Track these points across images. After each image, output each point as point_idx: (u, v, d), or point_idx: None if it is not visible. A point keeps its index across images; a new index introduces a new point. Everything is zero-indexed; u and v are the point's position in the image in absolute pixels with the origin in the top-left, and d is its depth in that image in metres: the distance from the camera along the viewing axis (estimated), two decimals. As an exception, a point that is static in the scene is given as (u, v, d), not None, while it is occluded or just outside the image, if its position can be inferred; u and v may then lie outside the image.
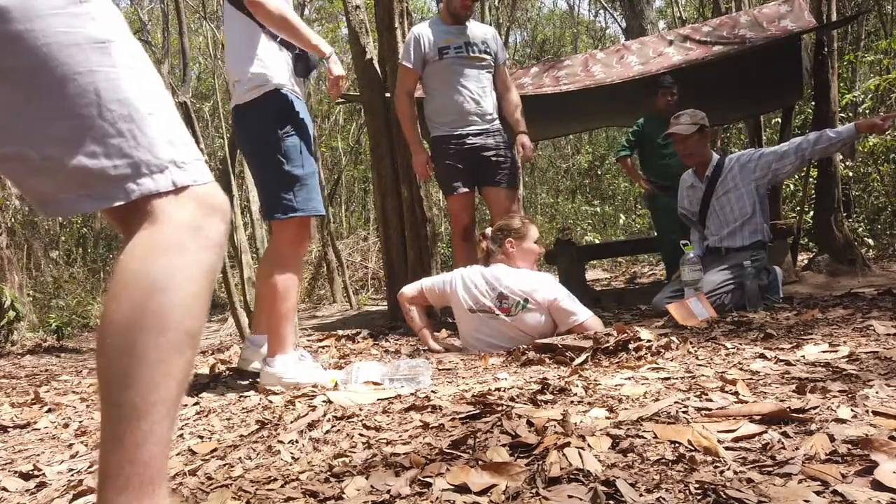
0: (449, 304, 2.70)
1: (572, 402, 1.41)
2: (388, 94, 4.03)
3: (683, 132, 3.35)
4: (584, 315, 2.46)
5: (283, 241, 2.14)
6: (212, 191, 0.81)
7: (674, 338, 2.08)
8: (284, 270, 2.10)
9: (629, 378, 1.63)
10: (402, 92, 3.35)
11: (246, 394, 2.03)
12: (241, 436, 1.45)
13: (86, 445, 1.56)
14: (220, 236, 0.81)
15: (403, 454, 1.14)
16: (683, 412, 1.22)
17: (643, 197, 4.88)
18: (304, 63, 2.15)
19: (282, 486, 1.09)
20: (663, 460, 0.99)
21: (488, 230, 2.78)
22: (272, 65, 2.07)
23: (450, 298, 2.66)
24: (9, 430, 1.87)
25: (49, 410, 2.11)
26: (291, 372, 2.03)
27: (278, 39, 2.10)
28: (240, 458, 1.28)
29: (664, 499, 0.86)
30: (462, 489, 0.97)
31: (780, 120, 6.60)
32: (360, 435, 1.34)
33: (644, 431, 1.12)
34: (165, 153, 0.77)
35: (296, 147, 2.09)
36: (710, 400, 1.30)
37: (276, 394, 1.95)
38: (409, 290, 2.78)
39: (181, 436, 1.53)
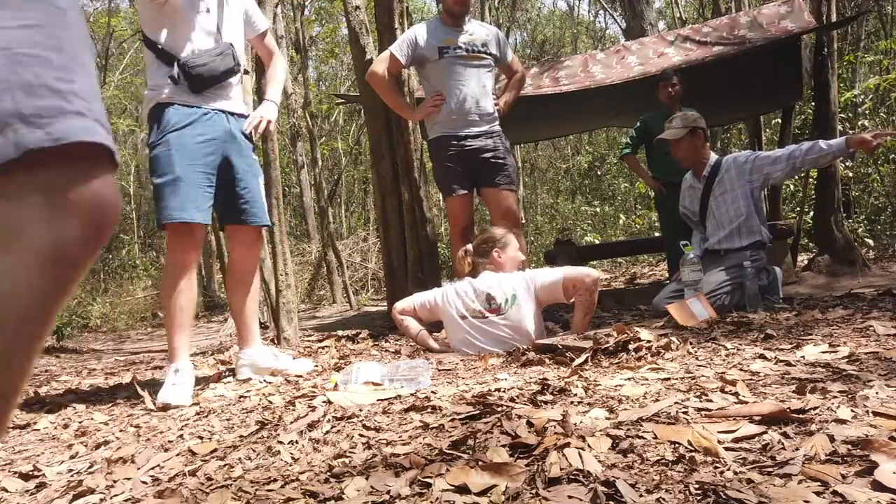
0: (438, 317, 2.73)
1: (572, 402, 1.41)
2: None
3: (672, 136, 3.35)
4: (569, 271, 2.58)
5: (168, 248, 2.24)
6: None
7: (674, 338, 2.08)
8: (165, 277, 2.20)
9: (629, 378, 1.63)
10: (379, 66, 3.30)
11: (246, 394, 2.03)
12: (241, 436, 1.45)
13: (86, 446, 1.56)
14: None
15: (403, 455, 1.14)
16: (683, 413, 1.22)
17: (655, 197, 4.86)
18: (194, 76, 2.16)
19: (282, 486, 1.09)
20: (663, 461, 0.99)
21: (469, 246, 2.83)
22: (154, 83, 2.20)
23: (440, 311, 2.69)
24: (8, 430, 1.87)
25: (49, 411, 2.11)
26: (260, 359, 2.31)
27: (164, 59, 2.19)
28: (239, 458, 1.28)
29: (664, 499, 0.86)
30: (462, 490, 0.97)
31: (780, 120, 6.60)
32: (360, 435, 1.33)
33: (644, 432, 1.12)
34: None
35: (158, 158, 2.15)
36: (710, 400, 1.30)
37: (272, 386, 1.95)
38: (404, 304, 2.80)
39: (181, 436, 1.53)
